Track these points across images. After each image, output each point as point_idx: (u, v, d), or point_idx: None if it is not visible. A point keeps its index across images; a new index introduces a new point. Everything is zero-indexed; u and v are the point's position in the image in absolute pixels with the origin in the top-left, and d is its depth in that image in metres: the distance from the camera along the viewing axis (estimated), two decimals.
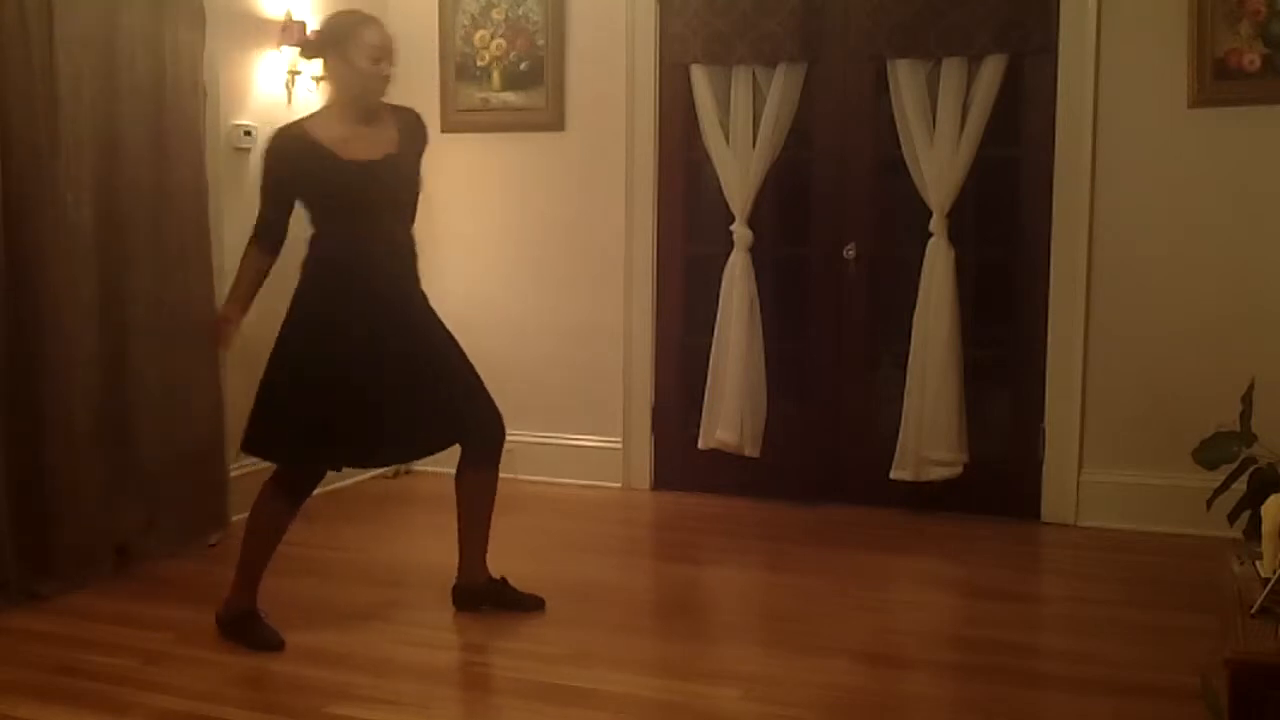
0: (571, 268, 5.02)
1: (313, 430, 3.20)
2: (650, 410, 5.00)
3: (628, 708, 2.86)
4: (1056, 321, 4.40)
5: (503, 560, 3.83)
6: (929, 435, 4.46)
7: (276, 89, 4.62)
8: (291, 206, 3.28)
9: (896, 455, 4.53)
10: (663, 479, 5.02)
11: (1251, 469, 2.57)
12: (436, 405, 3.33)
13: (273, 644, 3.21)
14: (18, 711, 2.79)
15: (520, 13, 5.02)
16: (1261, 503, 2.34)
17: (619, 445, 5.01)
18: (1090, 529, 4.36)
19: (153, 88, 3.98)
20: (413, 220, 3.37)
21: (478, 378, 3.44)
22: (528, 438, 4.75)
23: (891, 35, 4.43)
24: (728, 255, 4.73)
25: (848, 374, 4.74)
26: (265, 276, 3.34)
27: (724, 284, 4.75)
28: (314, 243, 3.30)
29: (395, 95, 5.22)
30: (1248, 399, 2.68)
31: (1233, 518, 2.64)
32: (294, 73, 4.65)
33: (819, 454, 4.76)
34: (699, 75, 4.75)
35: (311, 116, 3.38)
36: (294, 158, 3.22)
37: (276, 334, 3.29)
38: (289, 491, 3.31)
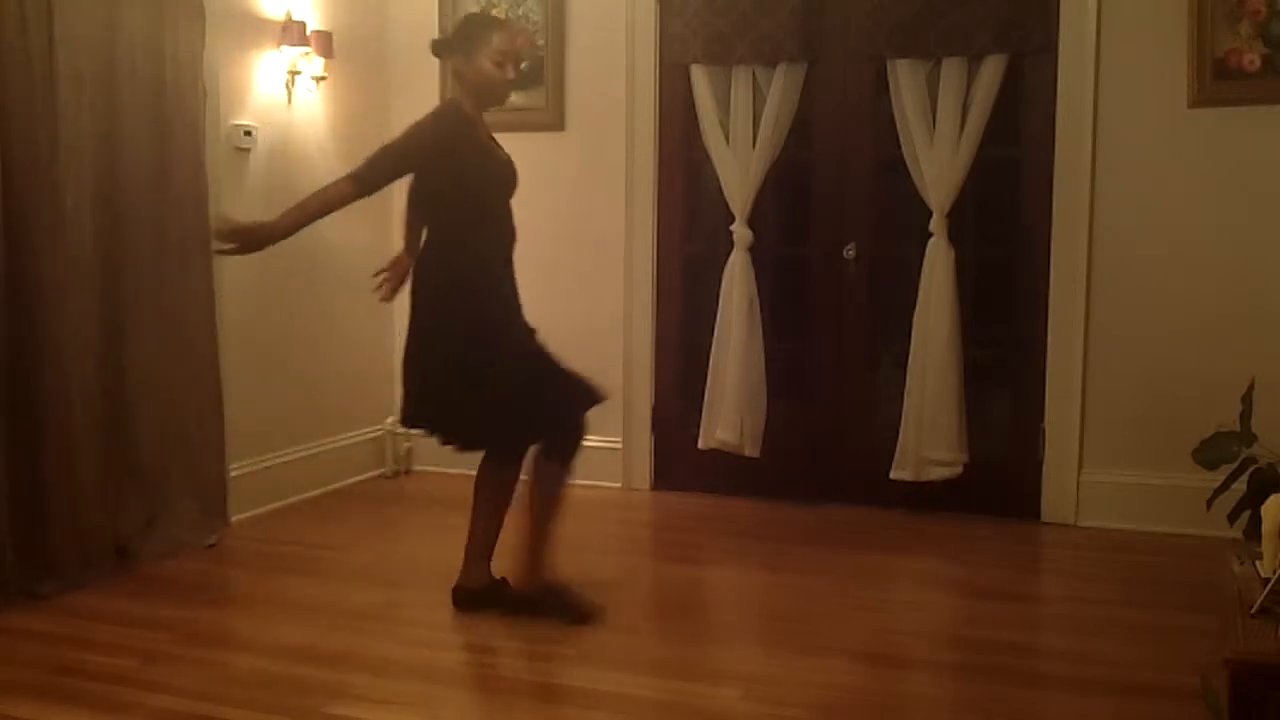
0: (572, 267, 5.02)
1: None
2: (650, 410, 5.01)
3: (628, 708, 2.85)
4: (1056, 321, 4.40)
5: (502, 560, 3.82)
6: (929, 435, 4.46)
7: (276, 89, 4.62)
8: (402, 176, 3.33)
9: (896, 455, 4.53)
10: (663, 479, 5.02)
11: (1251, 469, 2.57)
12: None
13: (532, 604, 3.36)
14: (17, 711, 2.79)
15: (520, 13, 5.02)
16: (1261, 503, 2.34)
17: (619, 445, 5.01)
18: (1090, 529, 4.36)
19: (153, 88, 3.98)
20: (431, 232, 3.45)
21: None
22: None
23: (891, 35, 4.43)
24: (728, 255, 4.73)
25: (848, 374, 4.74)
26: (329, 212, 3.38)
27: (724, 284, 4.75)
28: (463, 243, 3.33)
29: (396, 94, 5.26)
30: (1248, 399, 2.67)
31: (1233, 518, 2.64)
32: (294, 73, 4.65)
33: (819, 454, 4.76)
34: (699, 75, 4.75)
35: (466, 106, 3.39)
36: (454, 138, 3.29)
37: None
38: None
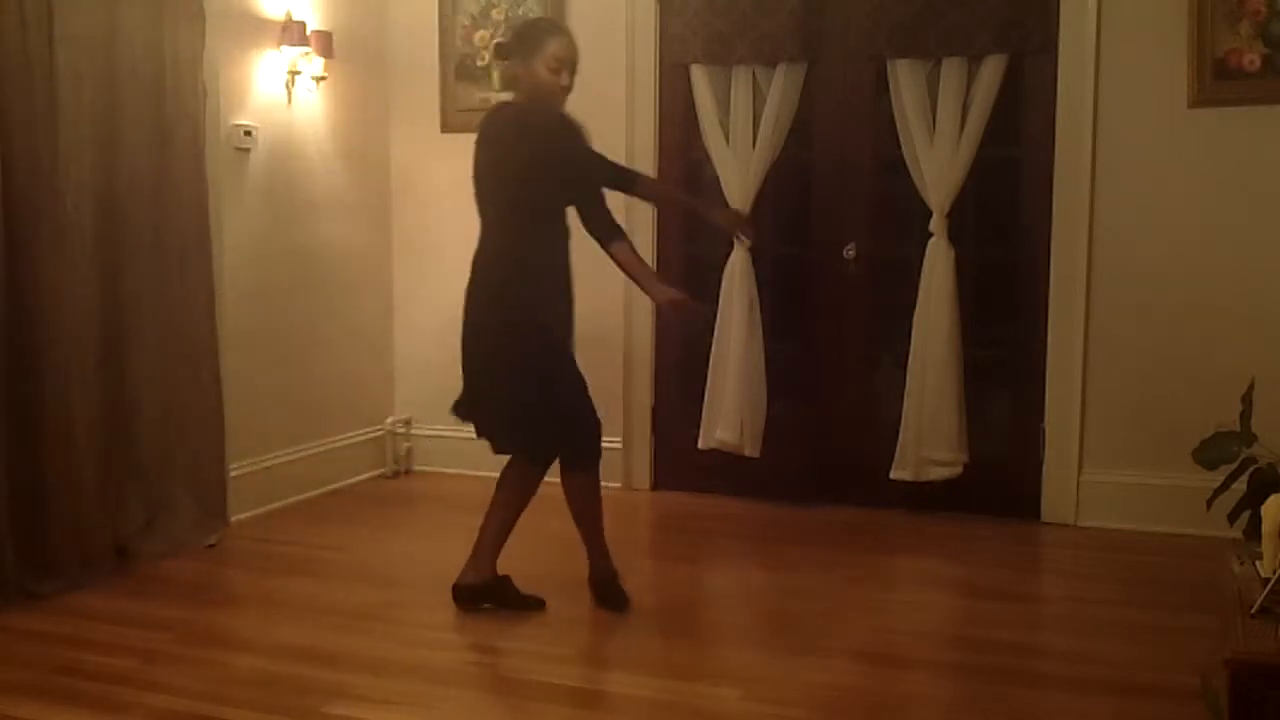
0: (572, 268, 5.01)
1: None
2: (650, 410, 5.00)
3: (628, 708, 2.86)
4: (1056, 321, 4.40)
5: (502, 560, 3.82)
6: (929, 435, 4.46)
7: (276, 89, 4.62)
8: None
9: (896, 455, 4.53)
10: (663, 479, 5.02)
11: (1251, 469, 2.57)
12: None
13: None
14: (17, 711, 2.79)
15: (520, 13, 5.02)
16: (1261, 503, 2.34)
17: (619, 445, 5.01)
18: (1090, 529, 4.36)
19: (153, 88, 3.98)
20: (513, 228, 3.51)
21: None
22: None
23: (891, 35, 4.43)
24: (728, 255, 4.73)
25: (848, 374, 4.74)
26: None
27: (724, 284, 4.75)
28: (544, 242, 3.46)
29: (396, 94, 5.26)
30: (1248, 399, 2.67)
31: (1233, 518, 2.63)
32: (294, 73, 4.65)
33: (819, 454, 4.76)
34: (699, 75, 4.75)
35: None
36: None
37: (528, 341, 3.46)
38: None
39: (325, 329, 4.96)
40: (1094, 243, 4.32)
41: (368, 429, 5.24)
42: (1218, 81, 4.11)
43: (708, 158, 4.77)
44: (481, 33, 5.08)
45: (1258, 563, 2.35)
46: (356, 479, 5.15)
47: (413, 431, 5.37)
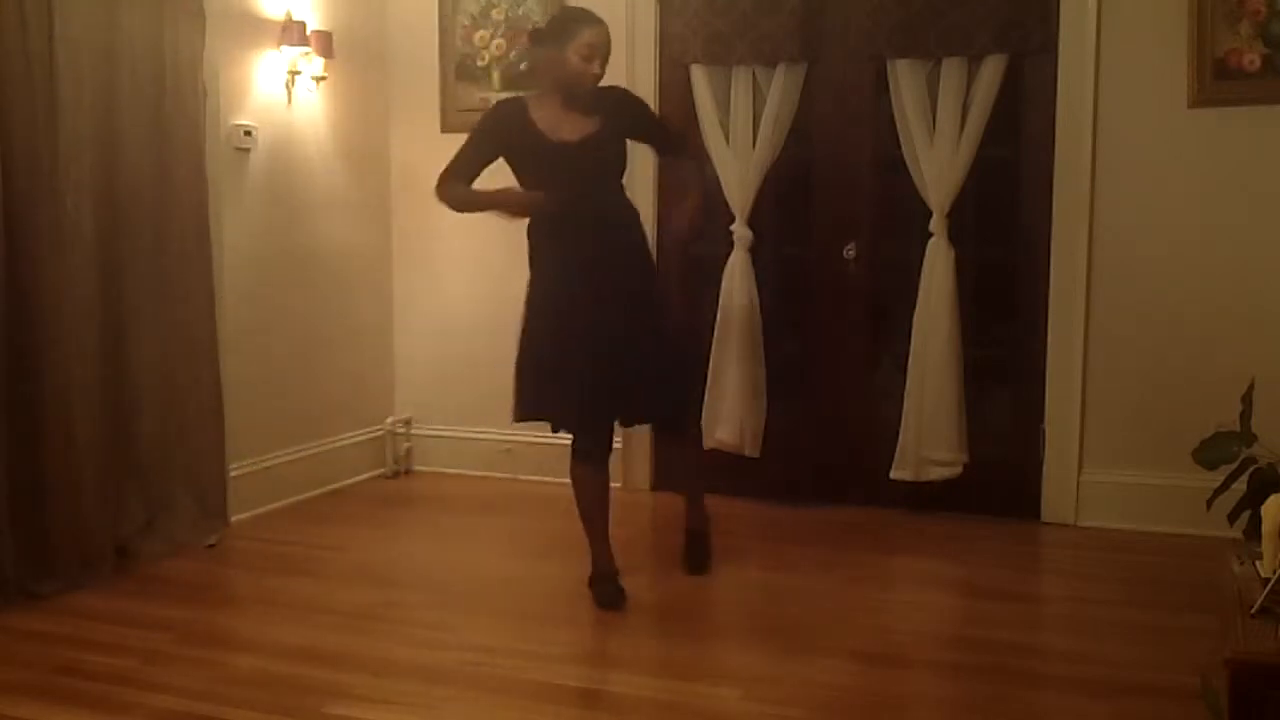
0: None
1: (560, 390, 3.57)
2: None
3: (628, 708, 2.86)
4: (1056, 321, 4.40)
5: (503, 560, 3.84)
6: (929, 435, 4.46)
7: (276, 89, 4.62)
8: (487, 163, 3.63)
9: (896, 455, 4.53)
10: (663, 479, 5.01)
11: (1251, 469, 2.57)
12: (638, 372, 3.60)
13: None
14: (17, 711, 2.79)
15: (520, 13, 5.02)
16: (1261, 503, 2.34)
17: (619, 445, 5.00)
18: (1090, 529, 4.36)
19: (153, 88, 3.98)
20: (620, 187, 3.72)
21: (666, 352, 3.72)
22: (528, 438, 4.74)
23: (891, 35, 4.43)
24: (728, 255, 4.73)
25: (848, 374, 4.74)
26: None
27: (724, 284, 4.74)
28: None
29: (396, 94, 5.26)
30: (1248, 399, 2.67)
31: (1233, 518, 2.63)
32: (294, 73, 4.65)
33: (819, 454, 4.76)
34: (699, 75, 4.75)
35: (533, 97, 3.68)
36: (504, 125, 3.60)
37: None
38: (582, 457, 3.63)
39: (325, 329, 4.96)
40: (1094, 243, 4.32)
41: (368, 429, 5.24)
42: (1218, 81, 4.11)
43: (708, 158, 4.77)
44: (481, 33, 5.08)
45: (1258, 563, 2.35)
46: (356, 479, 5.15)
47: (413, 431, 5.37)
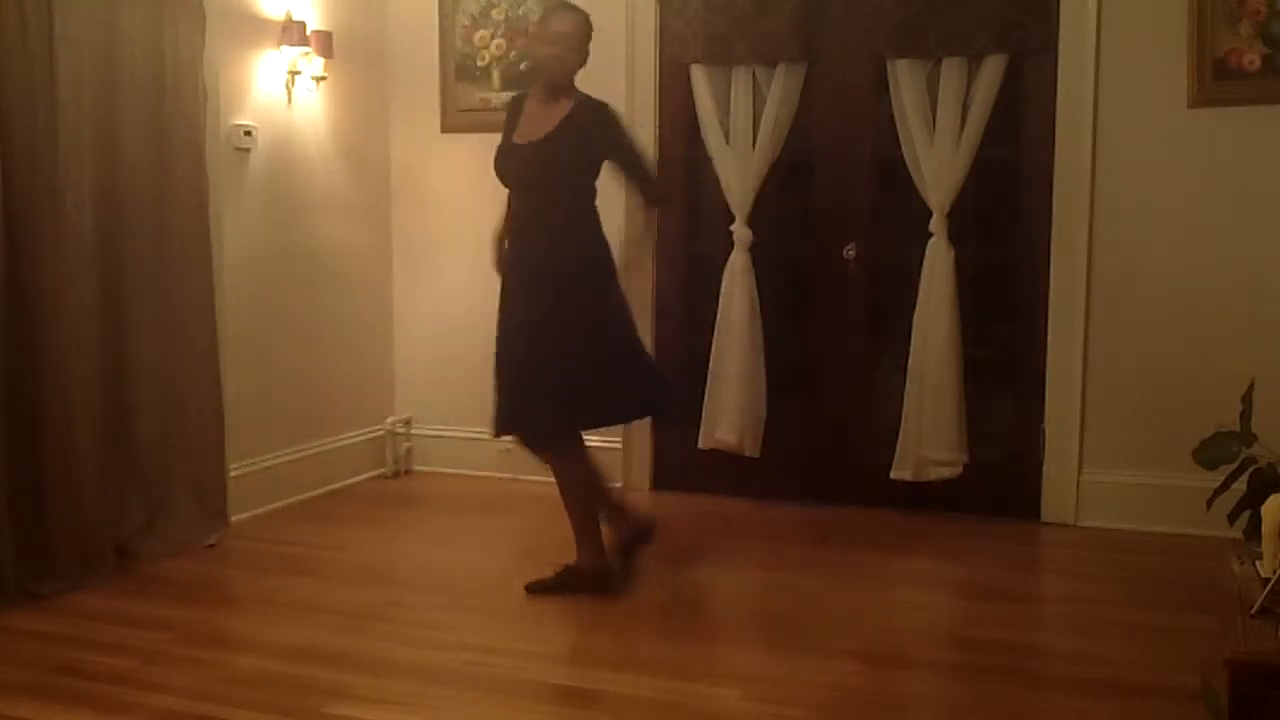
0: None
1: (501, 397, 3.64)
2: None
3: (628, 708, 2.86)
4: (1056, 321, 4.40)
5: (503, 560, 3.84)
6: (929, 435, 4.46)
7: (276, 89, 4.62)
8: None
9: (896, 455, 4.53)
10: (663, 479, 5.02)
11: (1251, 469, 2.57)
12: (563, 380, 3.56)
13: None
14: (17, 711, 2.79)
15: (520, 13, 5.02)
16: (1261, 503, 2.34)
17: (619, 445, 5.00)
18: (1090, 529, 4.36)
19: (153, 88, 3.98)
20: (571, 196, 3.68)
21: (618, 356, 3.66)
22: None
23: (891, 35, 4.43)
24: (728, 255, 4.73)
25: (848, 374, 4.74)
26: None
27: (724, 284, 4.74)
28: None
29: (396, 94, 5.26)
30: (1248, 399, 2.67)
31: (1233, 518, 2.63)
32: (294, 73, 4.65)
33: (819, 454, 4.76)
34: (699, 75, 4.75)
35: (531, 92, 3.79)
36: (507, 121, 3.76)
37: None
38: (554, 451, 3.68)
39: (325, 329, 4.96)
40: (1094, 243, 4.32)
41: (368, 429, 5.24)
42: (1218, 81, 4.11)
43: (708, 158, 4.77)
44: (481, 33, 5.08)
45: (1258, 563, 2.35)
46: (356, 479, 5.15)
47: (413, 431, 5.37)
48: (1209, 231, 4.20)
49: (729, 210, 4.72)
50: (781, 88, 4.62)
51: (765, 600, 3.82)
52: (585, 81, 5.00)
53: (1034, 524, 4.44)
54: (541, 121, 3.62)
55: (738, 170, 4.69)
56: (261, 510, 4.56)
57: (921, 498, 4.53)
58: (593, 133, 3.62)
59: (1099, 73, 4.26)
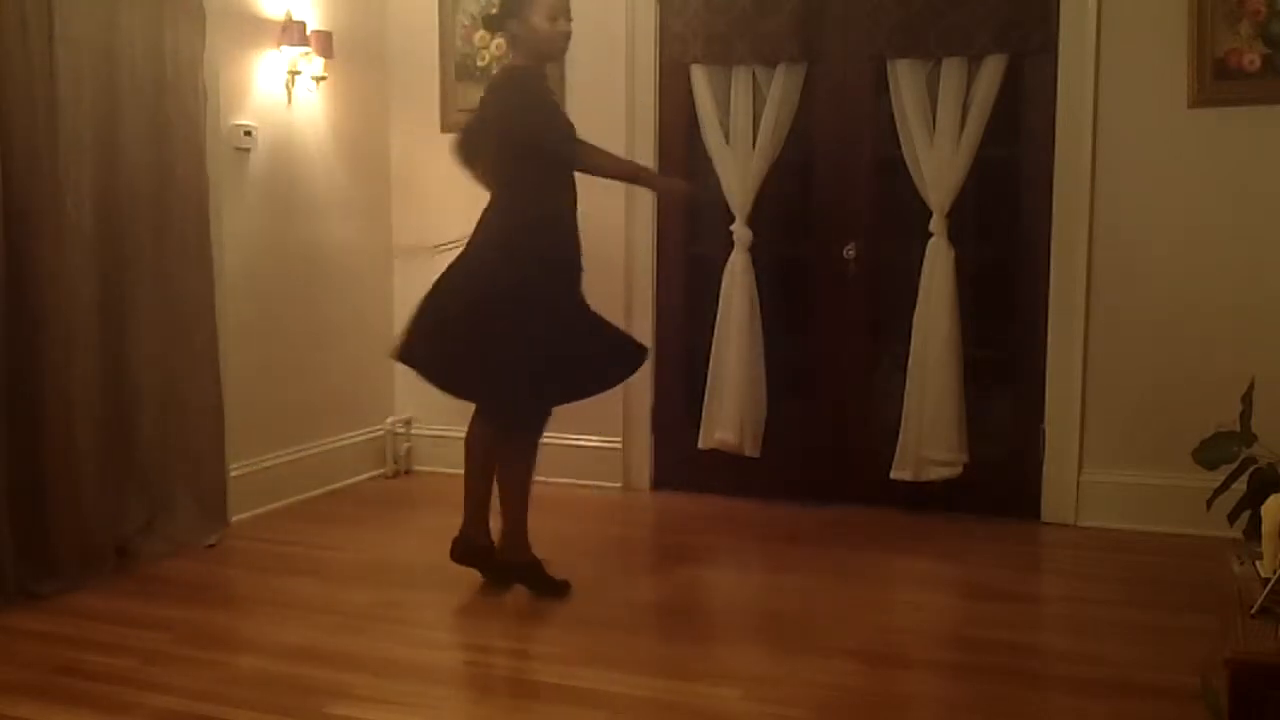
0: None
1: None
2: (650, 410, 5.00)
3: (628, 708, 2.86)
4: (1056, 321, 4.40)
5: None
6: (929, 435, 4.46)
7: (276, 89, 4.62)
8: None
9: (896, 455, 4.53)
10: (663, 479, 5.02)
11: (1251, 469, 2.57)
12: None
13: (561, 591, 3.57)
14: (17, 711, 2.79)
15: None
16: (1261, 503, 2.34)
17: (619, 445, 5.01)
18: (1090, 529, 4.36)
19: (153, 88, 3.98)
20: (516, 187, 3.59)
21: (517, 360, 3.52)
22: None
23: (891, 35, 4.43)
24: (728, 255, 4.73)
25: (848, 374, 4.74)
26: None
27: (724, 284, 4.75)
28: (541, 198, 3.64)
29: (396, 94, 5.26)
30: (1248, 399, 2.67)
31: (1233, 518, 2.64)
32: (294, 73, 4.65)
33: (819, 454, 4.76)
34: (699, 75, 4.75)
35: None
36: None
37: None
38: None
39: (325, 328, 4.96)
40: (1094, 243, 4.32)
41: (368, 429, 5.24)
42: (1218, 81, 4.11)
43: (708, 158, 4.77)
44: (481, 33, 5.08)
45: (1258, 563, 2.35)
46: (356, 479, 5.15)
47: (413, 431, 5.37)
48: (1209, 231, 4.20)
49: (729, 210, 4.72)
50: (781, 88, 4.62)
51: (765, 600, 3.82)
52: (585, 81, 5.03)
53: (1034, 524, 4.44)
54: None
55: (738, 170, 4.69)
56: (261, 510, 4.56)
57: (921, 498, 4.53)
58: (495, 107, 3.71)
59: (1099, 73, 4.26)
